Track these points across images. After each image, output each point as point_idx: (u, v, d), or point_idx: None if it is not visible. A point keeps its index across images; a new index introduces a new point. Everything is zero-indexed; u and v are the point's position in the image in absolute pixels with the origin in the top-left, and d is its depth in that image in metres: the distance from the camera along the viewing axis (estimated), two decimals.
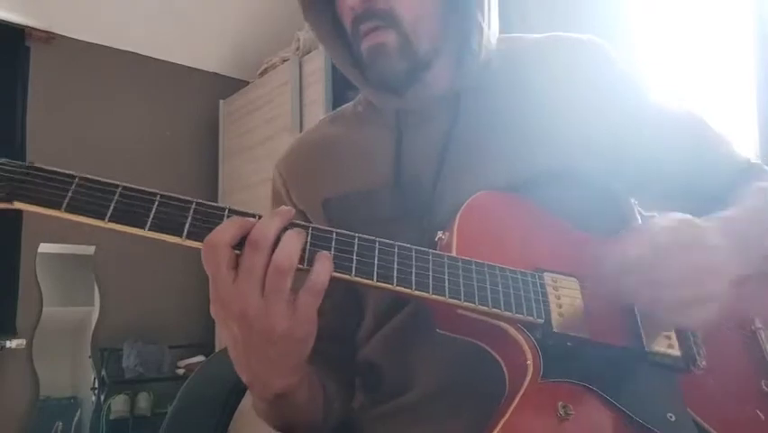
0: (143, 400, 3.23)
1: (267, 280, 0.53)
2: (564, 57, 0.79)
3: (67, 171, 0.53)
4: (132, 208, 0.53)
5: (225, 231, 0.53)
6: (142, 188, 0.54)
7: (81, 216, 0.51)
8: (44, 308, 3.16)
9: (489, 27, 0.77)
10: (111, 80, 3.47)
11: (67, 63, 3.34)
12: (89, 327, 3.29)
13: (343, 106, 0.92)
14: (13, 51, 3.15)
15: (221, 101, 3.62)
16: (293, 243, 0.54)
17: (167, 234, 0.53)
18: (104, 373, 3.18)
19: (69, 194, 0.52)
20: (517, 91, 0.77)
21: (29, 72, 3.19)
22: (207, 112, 3.70)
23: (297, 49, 3.06)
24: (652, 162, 0.78)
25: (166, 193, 0.54)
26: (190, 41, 3.55)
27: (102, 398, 3.15)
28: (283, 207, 0.56)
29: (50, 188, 0.52)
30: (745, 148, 0.82)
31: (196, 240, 0.53)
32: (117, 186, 0.53)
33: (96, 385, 3.21)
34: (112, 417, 3.13)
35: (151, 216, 0.53)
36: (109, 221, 0.52)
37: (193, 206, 0.54)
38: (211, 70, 3.82)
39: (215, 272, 0.53)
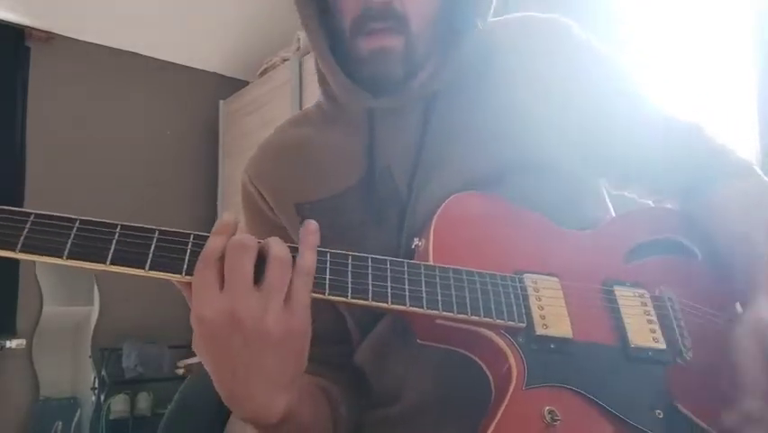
0: (143, 400, 3.23)
1: (266, 275, 0.52)
2: (534, 40, 0.78)
3: (23, 210, 0.51)
4: (92, 243, 0.51)
5: (211, 243, 0.52)
6: (101, 221, 0.52)
7: (38, 256, 0.50)
8: (44, 308, 3.16)
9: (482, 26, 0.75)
10: (111, 80, 3.48)
11: (67, 63, 3.35)
12: (89, 327, 3.29)
13: (306, 108, 0.89)
14: (13, 51, 3.15)
15: (221, 101, 3.62)
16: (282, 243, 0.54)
17: (128, 266, 0.52)
18: (104, 373, 3.18)
19: (25, 233, 0.50)
20: (490, 81, 0.76)
21: (29, 72, 3.19)
22: (207, 112, 3.69)
23: (297, 49, 3.06)
24: (621, 148, 0.77)
25: (126, 224, 0.53)
26: (190, 41, 3.55)
27: (102, 398, 3.15)
28: None
29: (6, 229, 0.50)
30: (745, 147, 0.82)
31: (159, 270, 0.52)
32: (74, 220, 0.52)
33: (96, 385, 3.21)
34: (112, 417, 3.13)
35: (112, 249, 0.51)
36: (68, 258, 0.50)
37: (156, 235, 0.53)
38: (211, 70, 3.82)
39: (202, 284, 0.51)
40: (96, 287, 3.33)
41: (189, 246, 0.54)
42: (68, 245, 0.51)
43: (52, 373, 3.19)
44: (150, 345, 3.27)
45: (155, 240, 0.53)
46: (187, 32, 3.47)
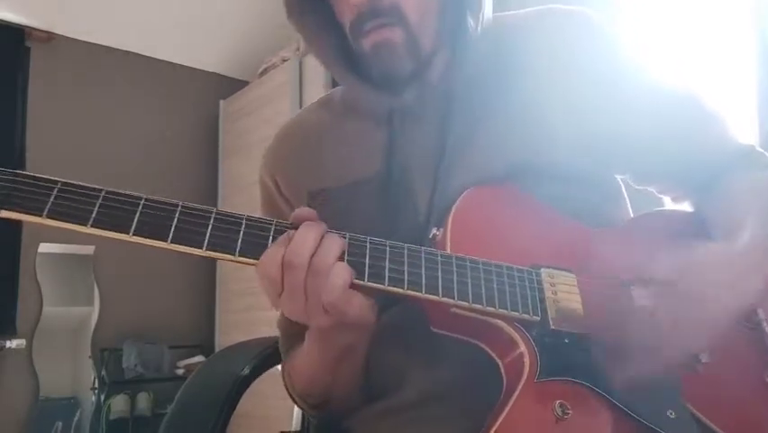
0: (143, 401, 3.22)
1: (306, 285, 0.57)
2: (551, 35, 0.77)
3: (50, 177, 0.52)
4: (116, 212, 0.53)
5: (271, 259, 0.57)
6: (126, 193, 0.54)
7: (63, 222, 0.51)
8: (44, 308, 3.16)
9: (484, 14, 0.75)
10: (111, 80, 3.48)
11: (67, 63, 3.34)
12: (89, 327, 3.29)
13: (334, 91, 0.89)
14: (13, 51, 3.15)
15: (221, 101, 3.62)
16: (331, 249, 0.58)
17: (154, 239, 0.54)
18: (104, 372, 3.18)
19: (51, 200, 0.51)
20: (505, 79, 0.76)
21: (29, 72, 3.19)
22: (207, 112, 3.70)
23: (297, 49, 3.06)
24: (638, 147, 0.77)
25: (151, 197, 0.55)
26: (190, 41, 3.55)
27: (102, 398, 3.15)
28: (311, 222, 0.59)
29: (34, 195, 0.51)
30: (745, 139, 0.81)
31: (180, 244, 0.55)
32: (100, 190, 0.53)
33: (96, 385, 3.21)
34: (112, 417, 3.13)
35: (136, 219, 0.53)
36: (92, 226, 0.52)
37: (179, 209, 0.55)
38: (211, 70, 3.82)
39: (266, 290, 0.59)
40: (96, 287, 3.32)
41: (211, 222, 0.57)
42: (94, 213, 0.52)
43: (52, 373, 3.19)
44: (151, 345, 3.27)
45: (178, 213, 0.56)
46: (187, 32, 3.47)
